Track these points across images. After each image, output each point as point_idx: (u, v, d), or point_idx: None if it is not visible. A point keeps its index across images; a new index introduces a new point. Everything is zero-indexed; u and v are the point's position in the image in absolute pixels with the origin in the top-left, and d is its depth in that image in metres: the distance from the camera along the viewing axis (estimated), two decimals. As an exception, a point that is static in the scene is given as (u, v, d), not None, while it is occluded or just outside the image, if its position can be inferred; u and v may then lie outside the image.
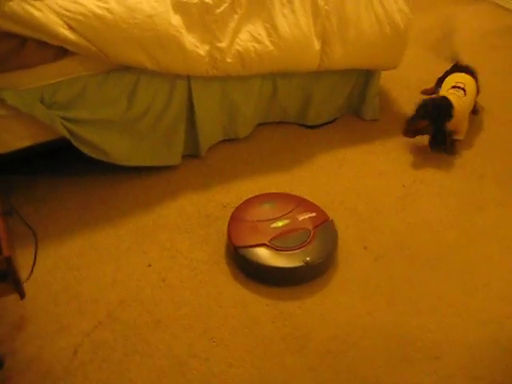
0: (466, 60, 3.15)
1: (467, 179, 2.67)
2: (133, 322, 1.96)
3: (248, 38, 2.41)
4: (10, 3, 1.96)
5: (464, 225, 2.43)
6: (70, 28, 2.06)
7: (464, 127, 2.83)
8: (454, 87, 2.84)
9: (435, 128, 2.71)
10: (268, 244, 2.13)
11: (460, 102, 2.75)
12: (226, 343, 1.92)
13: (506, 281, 2.20)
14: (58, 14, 2.04)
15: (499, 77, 3.42)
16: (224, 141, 2.75)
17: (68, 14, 2.05)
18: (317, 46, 2.54)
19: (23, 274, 1.82)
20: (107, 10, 2.10)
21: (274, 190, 2.51)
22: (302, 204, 2.33)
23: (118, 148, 2.39)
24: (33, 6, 2.00)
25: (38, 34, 2.03)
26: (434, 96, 2.88)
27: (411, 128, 2.73)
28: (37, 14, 2.00)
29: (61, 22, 2.04)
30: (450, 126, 2.74)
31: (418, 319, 2.03)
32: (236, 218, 2.26)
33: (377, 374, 1.86)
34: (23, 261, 1.92)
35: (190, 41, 2.30)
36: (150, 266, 2.16)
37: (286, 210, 2.27)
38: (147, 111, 2.39)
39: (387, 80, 3.22)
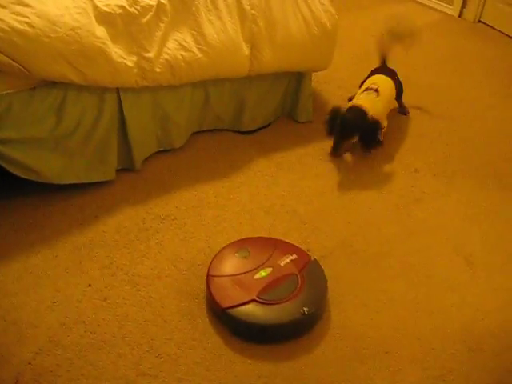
0: (393, 56, 3.17)
1: (403, 174, 2.73)
2: (76, 345, 1.89)
3: (176, 47, 2.39)
4: None
5: (403, 219, 2.48)
6: (-11, 45, 1.98)
7: (383, 128, 2.78)
8: (366, 89, 2.81)
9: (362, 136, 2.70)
10: (257, 299, 1.94)
11: (373, 104, 2.71)
12: (174, 357, 1.88)
13: (448, 270, 2.26)
14: (-25, 31, 1.96)
15: (426, 71, 3.52)
16: (159, 152, 2.70)
17: (-15, 30, 1.97)
18: (246, 50, 2.54)
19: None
20: (28, 24, 2.03)
21: (212, 199, 2.49)
22: (279, 247, 2.15)
23: (49, 166, 2.31)
24: None
25: (-46, 52, 1.94)
26: (343, 109, 2.73)
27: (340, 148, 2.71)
28: (-49, 30, 1.92)
29: (-21, 40, 1.96)
30: None
31: (366, 316, 2.05)
32: (213, 275, 2.03)
33: (329, 374, 1.86)
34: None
35: (117, 52, 2.25)
36: (90, 285, 2.09)
37: (264, 257, 2.09)
38: (77, 127, 2.32)
39: (319, 81, 3.26)
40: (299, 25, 2.65)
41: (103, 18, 2.21)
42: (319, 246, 2.30)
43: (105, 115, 2.37)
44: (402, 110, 3.17)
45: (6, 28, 2.00)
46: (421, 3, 4.61)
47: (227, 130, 2.91)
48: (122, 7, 2.25)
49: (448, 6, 4.40)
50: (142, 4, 2.30)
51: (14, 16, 2.04)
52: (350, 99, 2.97)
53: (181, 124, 2.66)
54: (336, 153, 2.72)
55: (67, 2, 2.16)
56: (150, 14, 2.31)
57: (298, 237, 2.33)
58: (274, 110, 2.96)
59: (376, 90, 2.78)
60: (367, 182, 2.67)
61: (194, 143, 2.80)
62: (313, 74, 3.02)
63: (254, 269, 2.05)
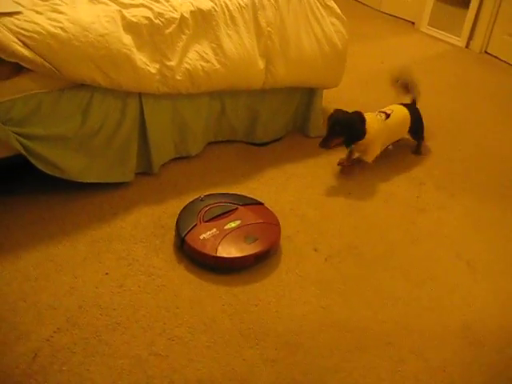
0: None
1: (409, 186, 2.85)
2: (92, 326, 1.98)
3: (196, 57, 2.54)
4: (-33, 22, 2.03)
5: (407, 226, 2.58)
6: (25, 45, 2.13)
7: (372, 150, 2.84)
8: (380, 111, 2.90)
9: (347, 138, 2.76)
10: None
11: (375, 123, 2.79)
12: (185, 341, 1.96)
13: (450, 273, 2.36)
14: (14, 33, 2.11)
15: (434, 96, 3.67)
16: (176, 159, 2.84)
17: (24, 32, 2.12)
18: (261, 64, 2.69)
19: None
20: (61, 28, 2.19)
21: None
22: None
23: (72, 164, 2.44)
24: (-11, 24, 2.08)
25: (-5, 50, 2.09)
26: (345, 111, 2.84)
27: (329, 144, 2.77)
28: (-7, 31, 2.07)
29: (17, 40, 2.11)
30: (358, 146, 2.81)
31: (370, 311, 2.14)
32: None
33: (334, 362, 1.94)
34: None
35: (141, 59, 2.40)
36: (107, 273, 2.20)
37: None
38: (101, 128, 2.46)
39: (329, 101, 3.41)
40: (311, 43, 2.82)
41: (130, 27, 2.37)
42: (326, 247, 2.40)
43: (127, 119, 2.51)
44: (416, 149, 3.16)
45: (42, 31, 2.16)
46: (429, 35, 4.86)
47: (241, 141, 3.05)
48: (148, 18, 2.42)
49: (455, 37, 4.62)
50: (166, 17, 2.46)
51: (49, 21, 2.20)
52: None
53: (197, 132, 2.80)
54: (323, 146, 2.77)
55: (98, 11, 2.33)
56: (173, 26, 2.47)
57: (306, 238, 2.44)
58: (286, 124, 3.10)
59: (387, 115, 2.86)
60: (374, 191, 2.79)
61: (209, 152, 2.95)
62: (323, 93, 3.17)
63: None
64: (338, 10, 2.94)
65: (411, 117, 3.00)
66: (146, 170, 2.72)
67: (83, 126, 2.41)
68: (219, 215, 2.38)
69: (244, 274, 2.24)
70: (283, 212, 2.58)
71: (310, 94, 3.07)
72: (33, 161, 2.33)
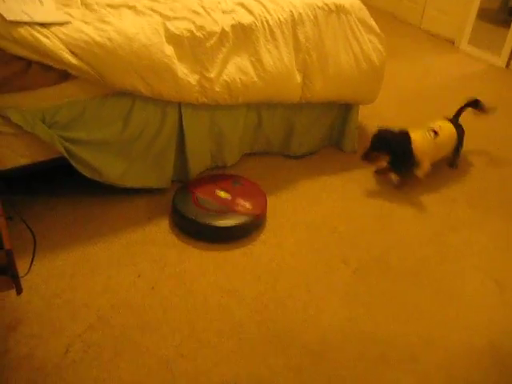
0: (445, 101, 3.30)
1: (441, 203, 2.85)
2: (122, 325, 2.05)
3: (235, 70, 2.61)
4: (20, 29, 2.14)
5: (438, 243, 2.58)
6: (73, 54, 2.23)
7: (423, 166, 2.88)
8: (429, 129, 2.94)
9: (393, 159, 2.86)
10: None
11: (424, 141, 2.85)
12: (213, 344, 2.01)
13: (478, 293, 2.34)
14: (63, 41, 2.21)
15: (471, 115, 3.65)
16: (212, 168, 2.91)
17: (72, 41, 2.22)
18: (298, 78, 2.75)
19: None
20: (107, 38, 2.29)
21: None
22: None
23: (112, 169, 2.53)
24: (40, 32, 2.17)
25: (44, 58, 2.18)
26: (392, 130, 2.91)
27: (369, 157, 2.88)
28: (43, 39, 2.17)
29: (65, 48, 2.21)
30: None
31: (396, 325, 2.15)
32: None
33: (356, 373, 1.95)
34: (19, 267, 2.01)
35: (182, 70, 2.48)
36: (139, 276, 2.27)
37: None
38: (140, 135, 2.54)
39: (365, 117, 3.44)
40: (349, 59, 2.86)
41: (173, 38, 2.45)
42: (355, 260, 2.43)
43: (166, 127, 2.59)
44: (452, 162, 3.19)
45: (89, 40, 2.26)
46: (469, 54, 4.85)
47: (276, 153, 3.10)
48: (190, 31, 2.49)
49: (496, 57, 4.58)
50: (207, 30, 2.53)
51: (96, 31, 2.30)
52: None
53: (234, 143, 2.86)
54: (364, 159, 2.90)
55: (143, 22, 2.42)
56: (214, 39, 2.55)
57: (336, 250, 2.47)
58: (322, 138, 3.14)
59: (436, 133, 2.91)
60: (406, 207, 2.80)
61: (244, 163, 3.01)
62: (360, 108, 3.20)
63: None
64: (377, 28, 2.98)
65: (457, 136, 3.03)
66: (182, 178, 2.79)
67: (124, 132, 2.50)
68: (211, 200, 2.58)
69: (274, 283, 2.28)
70: (314, 224, 2.62)
71: (346, 109, 3.10)
72: (74, 164, 2.42)
